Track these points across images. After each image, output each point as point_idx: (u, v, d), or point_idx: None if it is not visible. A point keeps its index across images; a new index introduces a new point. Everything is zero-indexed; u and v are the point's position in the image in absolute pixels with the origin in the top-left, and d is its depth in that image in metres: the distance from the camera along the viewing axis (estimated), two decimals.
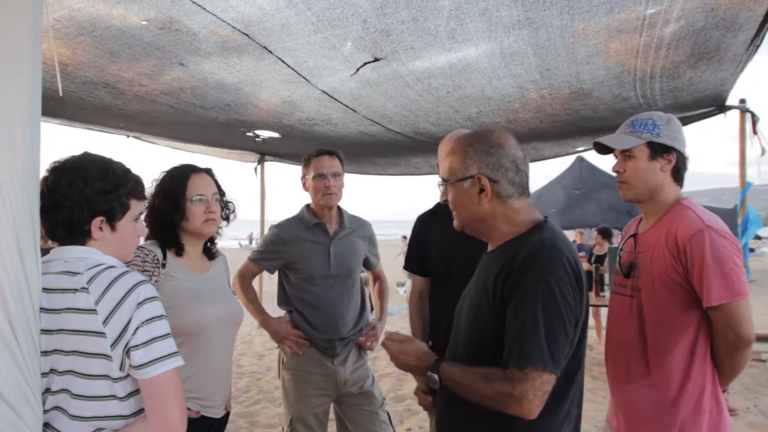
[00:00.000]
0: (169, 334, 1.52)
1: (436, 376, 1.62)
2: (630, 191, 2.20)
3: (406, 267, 2.94)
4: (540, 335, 1.45)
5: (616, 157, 2.23)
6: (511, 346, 1.48)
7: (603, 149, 2.26)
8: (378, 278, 3.43)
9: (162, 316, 1.52)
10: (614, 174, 2.26)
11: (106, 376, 1.47)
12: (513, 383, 1.45)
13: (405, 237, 21.31)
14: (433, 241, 2.73)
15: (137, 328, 1.45)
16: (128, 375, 1.49)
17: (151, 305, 1.49)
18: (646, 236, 2.18)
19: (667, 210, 2.14)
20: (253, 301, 3.11)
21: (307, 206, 3.15)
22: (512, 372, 1.46)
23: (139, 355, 1.45)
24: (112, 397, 1.49)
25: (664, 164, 2.14)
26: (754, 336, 1.98)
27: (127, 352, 1.45)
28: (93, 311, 1.46)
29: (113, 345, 1.45)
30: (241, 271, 3.16)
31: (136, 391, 1.51)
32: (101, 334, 1.45)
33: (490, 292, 1.59)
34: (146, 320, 1.47)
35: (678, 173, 2.17)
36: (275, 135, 6.52)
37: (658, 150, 2.13)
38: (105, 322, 1.45)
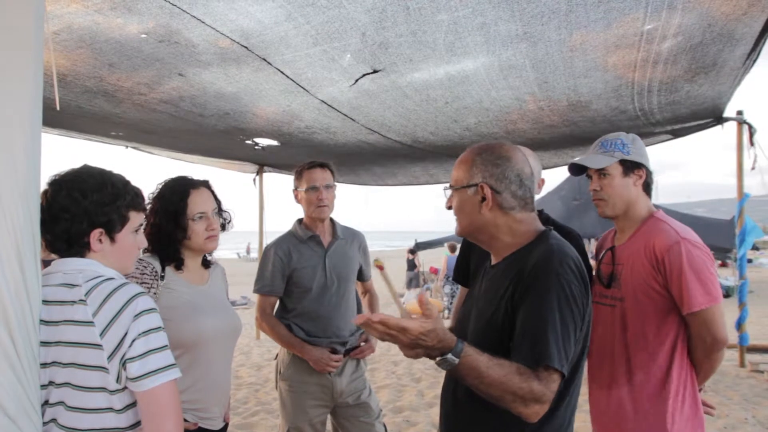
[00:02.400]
0: (166, 346, 1.52)
1: (456, 360, 1.42)
2: (607, 207, 2.33)
3: (454, 278, 2.97)
4: (558, 336, 1.46)
5: (590, 177, 2.37)
6: (532, 346, 1.47)
7: (576, 171, 2.41)
8: (368, 291, 3.42)
9: (159, 328, 1.51)
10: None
11: (103, 389, 1.48)
12: (545, 384, 1.43)
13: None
14: (476, 257, 2.73)
15: (134, 340, 1.46)
16: (125, 387, 1.49)
17: (148, 317, 1.49)
18: (624, 249, 2.31)
19: (642, 223, 2.29)
20: (286, 336, 3.04)
21: (299, 221, 3.17)
22: (540, 372, 1.44)
23: (135, 367, 1.45)
24: (110, 409, 1.49)
25: (636, 179, 2.30)
26: (728, 338, 2.12)
27: (123, 364, 1.45)
28: (90, 323, 1.46)
29: (110, 357, 1.45)
30: (260, 309, 3.11)
31: (134, 404, 1.51)
32: (98, 346, 1.46)
33: (501, 307, 1.59)
34: (143, 332, 1.47)
35: (648, 187, 2.33)
36: (274, 143, 6.54)
37: (629, 167, 2.29)
38: (102, 334, 1.45)
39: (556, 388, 1.46)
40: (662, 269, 2.12)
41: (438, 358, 1.43)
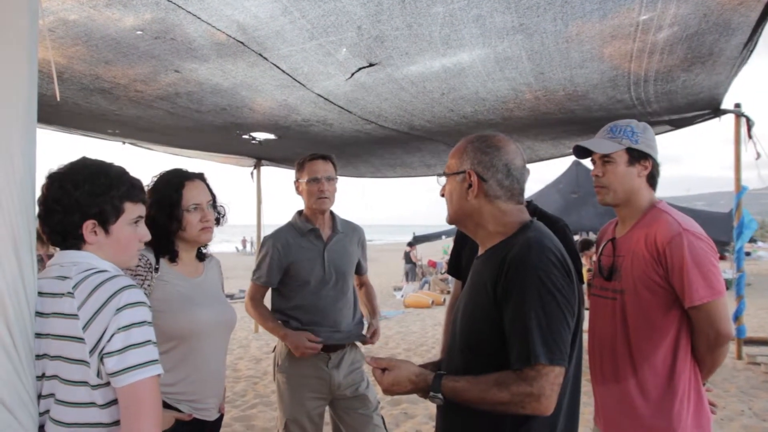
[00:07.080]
0: (149, 341, 1.47)
1: (439, 395, 1.59)
2: (608, 195, 2.27)
3: (447, 271, 2.96)
4: (544, 331, 1.47)
5: (594, 162, 2.30)
6: (519, 347, 1.49)
7: (581, 153, 2.34)
8: (364, 284, 3.43)
9: (143, 322, 1.47)
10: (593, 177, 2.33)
11: (85, 383, 1.45)
12: (529, 382, 1.46)
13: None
14: (468, 250, 2.73)
15: (113, 335, 1.42)
16: (108, 382, 1.45)
17: (131, 311, 1.45)
18: (625, 240, 2.25)
19: (643, 214, 2.22)
20: (269, 319, 3.07)
21: (299, 213, 3.17)
22: (526, 372, 1.47)
23: (112, 362, 1.42)
24: (92, 404, 1.47)
25: (640, 170, 2.22)
26: (733, 332, 2.07)
27: (101, 358, 1.43)
28: (75, 316, 1.45)
29: (91, 351, 1.43)
30: (250, 295, 3.15)
31: (117, 399, 1.48)
32: (81, 339, 1.43)
33: (484, 296, 1.61)
34: (123, 327, 1.43)
35: (653, 179, 2.25)
36: (271, 137, 6.53)
37: (636, 156, 2.21)
38: (85, 327, 1.43)
39: (555, 380, 1.47)
40: (663, 261, 2.05)
41: (429, 396, 1.61)
